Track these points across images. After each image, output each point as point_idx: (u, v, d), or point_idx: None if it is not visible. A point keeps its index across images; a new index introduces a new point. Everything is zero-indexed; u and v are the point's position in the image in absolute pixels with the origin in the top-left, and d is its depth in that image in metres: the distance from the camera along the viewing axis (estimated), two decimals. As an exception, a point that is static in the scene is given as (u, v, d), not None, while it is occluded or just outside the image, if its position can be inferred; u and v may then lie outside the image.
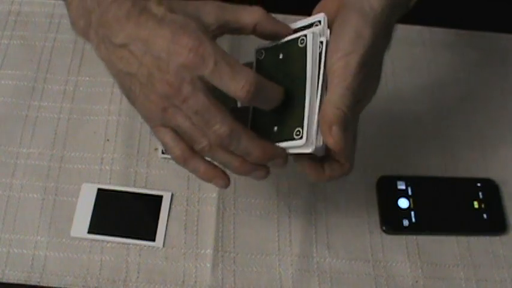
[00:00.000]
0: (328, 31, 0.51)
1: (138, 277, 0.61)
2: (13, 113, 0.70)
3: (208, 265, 0.62)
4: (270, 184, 0.67)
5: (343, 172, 0.53)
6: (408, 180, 0.67)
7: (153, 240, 0.63)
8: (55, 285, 0.60)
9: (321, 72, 0.50)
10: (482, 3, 0.80)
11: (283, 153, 0.51)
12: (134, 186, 0.66)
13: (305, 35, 0.50)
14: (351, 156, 0.53)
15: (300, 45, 0.51)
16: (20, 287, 0.60)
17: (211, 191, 0.66)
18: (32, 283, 0.60)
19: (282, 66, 0.52)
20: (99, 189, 0.65)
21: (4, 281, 0.60)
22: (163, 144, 0.53)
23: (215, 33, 0.52)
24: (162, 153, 0.67)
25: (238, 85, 0.48)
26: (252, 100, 0.49)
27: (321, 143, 0.49)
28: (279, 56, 0.53)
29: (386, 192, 0.66)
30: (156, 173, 0.67)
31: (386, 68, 0.76)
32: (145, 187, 0.66)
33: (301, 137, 0.49)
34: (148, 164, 0.67)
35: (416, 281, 0.62)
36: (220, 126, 0.49)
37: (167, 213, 0.64)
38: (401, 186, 0.66)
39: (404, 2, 0.54)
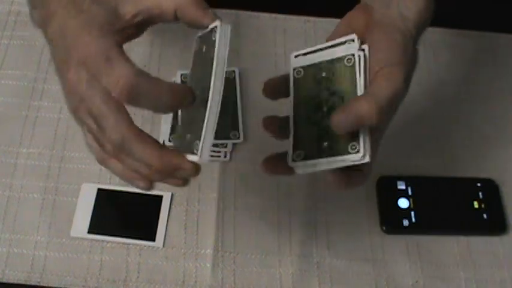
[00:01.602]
0: (367, 47, 0.52)
1: (138, 277, 0.61)
2: (13, 113, 0.70)
3: (208, 265, 0.62)
4: (270, 184, 0.67)
5: (365, 181, 0.53)
6: (408, 180, 0.67)
7: (153, 240, 0.63)
8: (55, 285, 0.60)
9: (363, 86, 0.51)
10: (482, 3, 0.80)
11: (188, 163, 0.47)
12: (134, 186, 0.66)
13: (352, 55, 0.52)
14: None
15: (347, 64, 0.52)
16: (20, 287, 0.60)
17: (211, 191, 0.66)
18: (32, 283, 0.60)
19: (326, 84, 0.53)
20: (99, 189, 0.65)
21: (4, 281, 0.60)
22: (87, 144, 0.50)
23: (134, 21, 0.49)
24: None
25: (112, 80, 0.44)
26: (130, 99, 0.45)
27: (369, 159, 0.50)
28: (321, 74, 0.53)
29: (386, 192, 0.66)
30: (156, 173, 0.67)
31: (386, 68, 0.76)
32: (145, 187, 0.66)
33: (358, 151, 0.49)
34: (148, 164, 0.67)
35: (416, 281, 0.62)
36: (112, 133, 0.45)
37: (167, 213, 0.64)
38: (401, 186, 0.66)
39: (425, 27, 0.56)
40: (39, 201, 0.65)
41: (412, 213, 0.65)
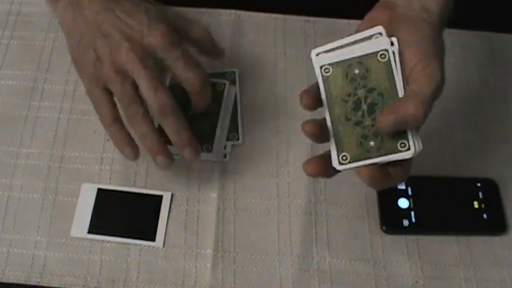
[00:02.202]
0: (395, 39, 0.52)
1: (138, 277, 0.61)
2: (13, 113, 0.70)
3: (208, 265, 0.62)
4: (270, 184, 0.67)
5: (406, 177, 0.53)
6: (408, 180, 0.67)
7: (153, 240, 0.63)
8: (55, 285, 0.60)
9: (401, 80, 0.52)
10: (482, 3, 0.80)
11: (198, 147, 0.61)
12: (134, 186, 0.66)
13: (386, 50, 0.52)
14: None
15: (381, 60, 0.52)
16: (20, 287, 0.60)
17: (211, 191, 0.66)
18: (32, 283, 0.60)
19: (361, 81, 0.52)
20: (99, 189, 0.65)
21: (4, 281, 0.60)
22: (97, 102, 0.61)
23: None
24: None
25: (196, 75, 0.60)
26: (201, 92, 0.61)
27: (421, 146, 0.51)
28: (353, 70, 0.53)
29: (386, 192, 0.66)
30: (156, 173, 0.67)
31: (386, 68, 0.76)
32: (145, 187, 0.66)
33: (409, 148, 0.50)
34: (148, 164, 0.67)
35: (416, 281, 0.62)
36: (168, 97, 0.58)
37: (167, 213, 0.64)
38: (401, 186, 0.66)
39: (447, 20, 0.57)
40: (39, 201, 0.65)
41: (412, 213, 0.65)
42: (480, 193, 0.66)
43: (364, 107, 0.52)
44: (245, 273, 0.62)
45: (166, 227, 0.64)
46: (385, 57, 0.52)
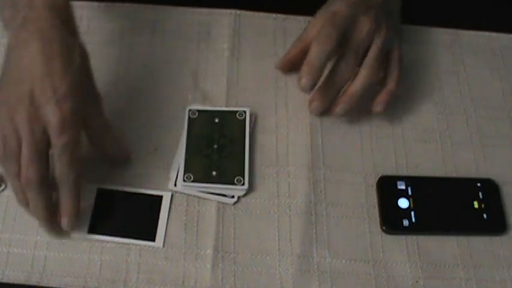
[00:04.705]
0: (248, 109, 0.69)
1: (138, 277, 0.61)
2: (13, 113, 0.70)
3: (208, 265, 0.62)
4: (270, 184, 0.67)
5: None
6: (408, 180, 0.67)
7: (153, 240, 0.63)
8: (55, 285, 0.60)
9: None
10: (482, 3, 0.80)
11: (53, 225, 0.60)
12: (134, 186, 0.66)
13: (244, 111, 0.69)
14: None
15: (239, 118, 0.68)
16: (20, 287, 0.60)
17: (211, 191, 0.66)
18: (32, 283, 0.60)
19: (218, 127, 0.68)
20: (99, 189, 0.65)
21: (4, 281, 0.60)
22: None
23: None
24: (175, 185, 0.66)
25: (65, 177, 0.58)
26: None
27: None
28: (214, 119, 0.68)
29: (386, 192, 0.66)
30: (156, 173, 0.67)
31: (386, 68, 0.76)
32: (145, 187, 0.66)
33: (243, 184, 0.64)
34: (149, 164, 0.67)
35: (416, 281, 0.62)
36: (37, 172, 0.56)
37: (167, 213, 0.64)
38: (401, 186, 0.66)
39: None
40: (39, 201, 0.64)
41: (412, 213, 0.65)
42: (480, 193, 0.66)
43: (215, 146, 0.66)
44: (245, 273, 0.62)
45: (166, 227, 0.64)
46: (242, 116, 0.68)
